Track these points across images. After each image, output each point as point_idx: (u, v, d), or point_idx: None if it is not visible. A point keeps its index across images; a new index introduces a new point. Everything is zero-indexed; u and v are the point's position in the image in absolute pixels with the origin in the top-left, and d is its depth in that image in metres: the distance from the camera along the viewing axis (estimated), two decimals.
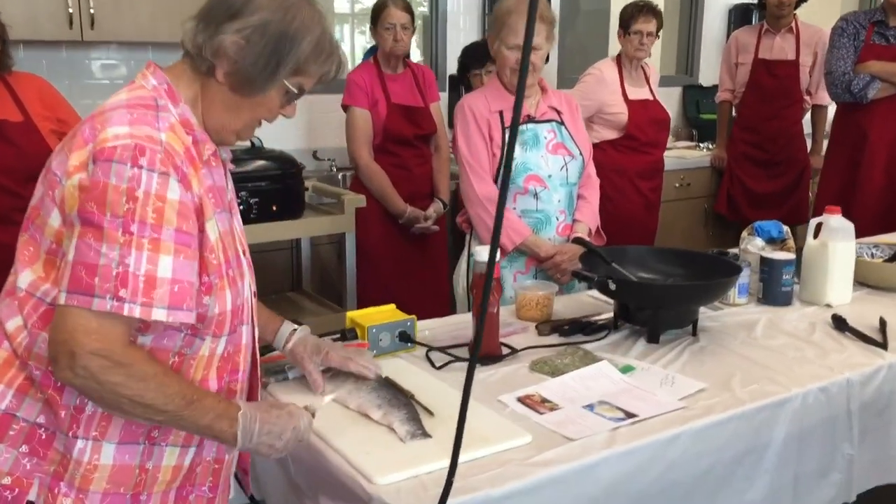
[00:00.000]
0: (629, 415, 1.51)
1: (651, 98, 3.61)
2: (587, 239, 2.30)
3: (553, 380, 1.67)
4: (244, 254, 1.32)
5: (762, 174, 4.36)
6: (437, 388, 1.61)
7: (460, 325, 2.02)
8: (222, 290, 1.20)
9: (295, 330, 1.58)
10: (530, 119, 2.37)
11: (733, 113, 4.51)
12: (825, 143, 4.34)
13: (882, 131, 3.50)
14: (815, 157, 4.37)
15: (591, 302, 2.24)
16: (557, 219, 2.39)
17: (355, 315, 1.88)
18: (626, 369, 1.73)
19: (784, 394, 1.62)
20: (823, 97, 4.30)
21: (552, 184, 2.36)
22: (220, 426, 1.18)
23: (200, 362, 1.22)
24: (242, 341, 1.29)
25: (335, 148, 3.88)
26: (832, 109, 4.36)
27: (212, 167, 1.24)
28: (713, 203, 4.56)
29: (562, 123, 2.41)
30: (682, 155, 4.55)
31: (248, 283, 1.31)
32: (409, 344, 1.82)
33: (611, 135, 3.54)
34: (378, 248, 3.19)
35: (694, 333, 1.94)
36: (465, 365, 1.74)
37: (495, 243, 1.03)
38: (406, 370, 1.69)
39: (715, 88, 4.81)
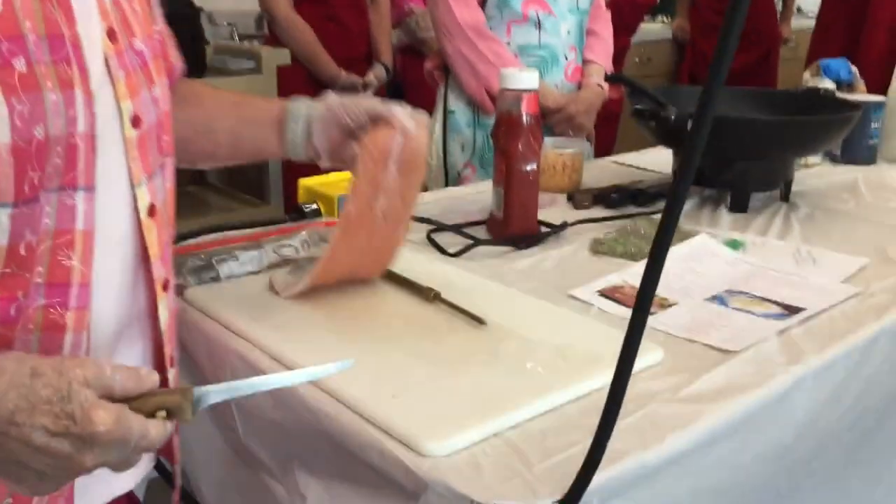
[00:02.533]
0: (790, 308, 0.94)
1: None
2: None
3: (638, 264, 1.08)
4: (113, 57, 0.64)
5: None
6: (467, 284, 0.99)
7: (459, 198, 1.43)
8: None
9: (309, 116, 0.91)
10: None
11: None
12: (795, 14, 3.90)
13: None
14: (786, 26, 3.93)
15: (621, 169, 1.66)
16: (566, 58, 1.76)
17: (312, 183, 1.23)
18: (733, 245, 1.16)
19: None
20: None
21: (559, 9, 1.72)
22: None
23: None
24: (77, 226, 0.63)
25: (235, 11, 3.11)
26: None
27: None
28: (674, 81, 4.05)
29: None
30: (642, 27, 3.99)
31: (92, 103, 0.62)
32: None
33: None
34: None
35: (786, 198, 1.40)
36: (491, 250, 1.13)
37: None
38: (401, 259, 1.04)
39: None
